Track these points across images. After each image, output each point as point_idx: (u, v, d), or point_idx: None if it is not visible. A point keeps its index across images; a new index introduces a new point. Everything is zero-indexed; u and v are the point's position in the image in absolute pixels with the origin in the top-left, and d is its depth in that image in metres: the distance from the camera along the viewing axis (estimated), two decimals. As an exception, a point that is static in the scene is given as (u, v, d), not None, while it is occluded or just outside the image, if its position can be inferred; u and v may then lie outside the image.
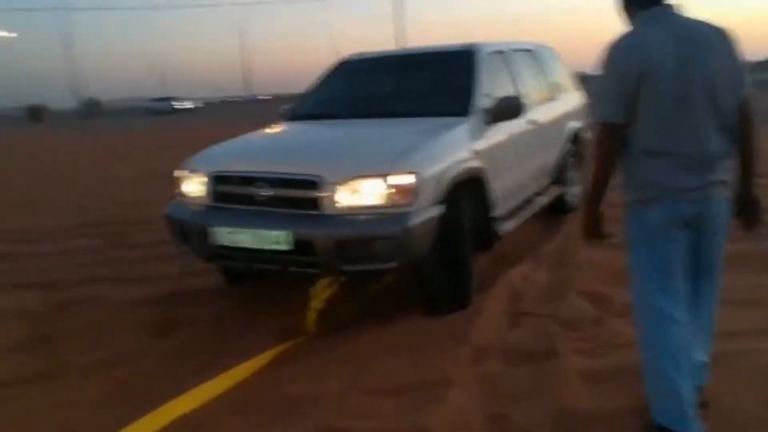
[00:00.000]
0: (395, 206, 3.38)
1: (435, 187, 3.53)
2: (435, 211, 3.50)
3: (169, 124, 33.76)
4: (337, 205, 3.39)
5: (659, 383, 2.28)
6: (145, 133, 26.25)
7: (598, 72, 2.22)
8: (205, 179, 3.80)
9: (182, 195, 4.00)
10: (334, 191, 3.39)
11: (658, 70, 2.10)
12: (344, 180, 3.40)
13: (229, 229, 3.56)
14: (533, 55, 5.86)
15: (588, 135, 6.40)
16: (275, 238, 3.42)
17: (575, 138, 6.22)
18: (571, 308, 3.69)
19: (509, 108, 4.35)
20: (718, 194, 2.22)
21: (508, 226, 4.50)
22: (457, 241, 3.73)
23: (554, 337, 3.30)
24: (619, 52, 2.16)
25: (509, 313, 3.70)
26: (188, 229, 3.79)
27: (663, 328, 2.25)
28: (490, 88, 4.51)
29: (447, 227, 3.57)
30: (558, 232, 5.48)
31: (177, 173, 4.05)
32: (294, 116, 5.13)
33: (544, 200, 5.42)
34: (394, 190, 3.38)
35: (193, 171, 3.94)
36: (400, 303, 3.91)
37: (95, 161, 14.35)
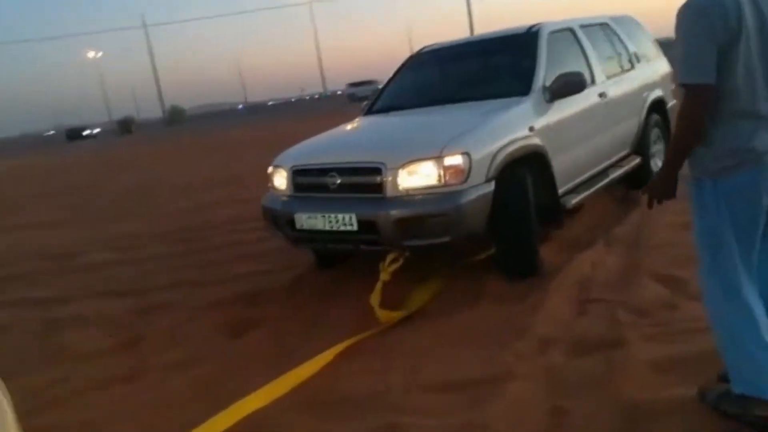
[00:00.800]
0: (448, 185, 3.72)
1: (488, 165, 3.81)
2: (488, 188, 3.79)
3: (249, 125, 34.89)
4: (397, 187, 3.78)
5: (744, 356, 2.20)
6: (222, 135, 27.28)
7: (680, 32, 2.09)
8: (287, 173, 4.32)
9: (273, 188, 4.55)
10: (395, 175, 3.78)
11: (743, 26, 2.03)
12: (402, 164, 3.78)
13: (307, 215, 4.05)
14: (609, 27, 5.87)
15: (673, 103, 6.31)
16: (343, 220, 3.85)
17: (658, 107, 6.15)
18: (642, 293, 3.54)
19: (569, 84, 4.44)
20: None
21: (576, 200, 4.60)
22: (519, 213, 3.95)
23: (623, 324, 3.18)
24: (704, 9, 2.03)
25: (577, 301, 3.59)
26: (278, 216, 4.32)
27: (746, 302, 2.18)
28: (555, 67, 4.64)
29: (509, 201, 3.86)
30: (633, 213, 5.25)
31: (269, 169, 4.59)
32: (369, 111, 5.53)
33: (619, 172, 5.35)
34: (445, 171, 3.72)
35: (277, 166, 4.50)
36: (464, 296, 3.89)
37: (174, 170, 15.02)
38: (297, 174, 4.30)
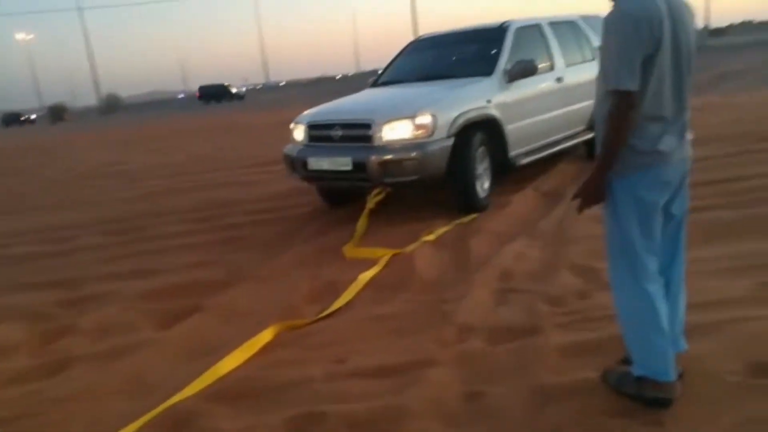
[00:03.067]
0: (417, 138, 5.15)
1: (449, 125, 5.20)
2: (448, 142, 5.20)
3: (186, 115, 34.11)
4: (381, 139, 5.22)
5: (644, 340, 2.38)
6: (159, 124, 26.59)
7: (611, 39, 2.20)
8: (304, 128, 5.82)
9: (293, 140, 6.05)
10: (380, 130, 5.22)
11: (664, 36, 2.17)
12: (386, 122, 5.23)
13: (316, 159, 5.55)
14: (576, 25, 7.22)
15: None
16: (342, 162, 5.32)
17: None
18: (558, 283, 3.73)
19: (523, 68, 5.82)
20: (690, 153, 2.40)
21: (526, 160, 6.01)
22: (467, 164, 5.30)
23: (539, 313, 3.34)
24: (636, 20, 2.14)
25: (498, 291, 3.75)
26: (294, 161, 5.81)
27: (648, 292, 2.35)
28: (518, 55, 6.00)
29: (463, 153, 5.27)
30: (556, 207, 5.50)
31: (291, 126, 6.14)
32: (374, 84, 7.09)
33: (571, 142, 6.76)
34: (416, 127, 5.17)
35: (297, 123, 6.00)
36: (391, 285, 4.00)
37: (113, 158, 14.61)
38: (311, 128, 5.79)
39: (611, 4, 2.27)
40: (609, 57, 2.22)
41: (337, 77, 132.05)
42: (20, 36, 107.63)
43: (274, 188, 7.97)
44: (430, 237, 4.83)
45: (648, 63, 2.18)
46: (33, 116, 62.74)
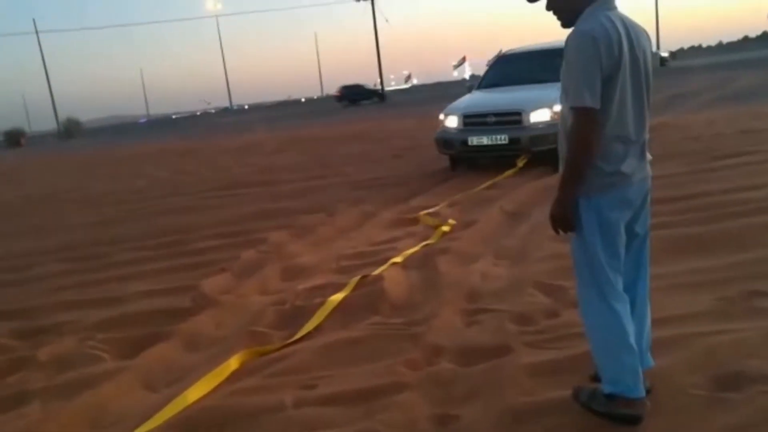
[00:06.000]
0: (553, 120, 7.71)
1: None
2: None
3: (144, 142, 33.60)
4: (529, 121, 8.20)
5: (613, 358, 2.40)
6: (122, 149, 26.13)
7: (572, 58, 2.23)
8: (458, 116, 8.75)
9: (444, 127, 8.95)
10: (528, 115, 8.21)
11: (623, 57, 2.22)
12: (533, 110, 8.22)
13: (476, 137, 8.44)
14: None
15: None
16: (499, 138, 8.30)
17: None
18: (527, 302, 3.75)
19: None
20: (650, 173, 2.46)
21: None
22: None
23: (508, 332, 3.35)
24: (594, 39, 2.18)
25: (467, 312, 3.75)
26: (453, 140, 8.72)
27: (616, 310, 2.37)
28: None
29: None
30: (521, 226, 5.56)
31: (441, 116, 9.14)
32: (477, 88, 10.07)
33: None
34: (553, 113, 7.98)
35: (448, 114, 8.97)
36: (361, 308, 3.96)
37: (71, 183, 14.28)
38: (466, 117, 8.69)
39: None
40: (570, 75, 2.27)
41: (302, 100, 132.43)
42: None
43: (233, 212, 7.90)
44: (398, 259, 4.82)
45: (609, 83, 2.22)
46: None
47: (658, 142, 8.78)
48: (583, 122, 2.23)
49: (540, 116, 8.12)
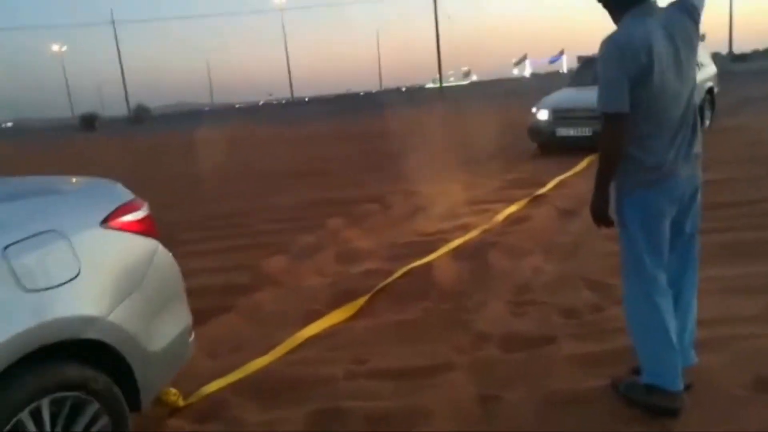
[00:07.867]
0: None
1: None
2: None
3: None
4: None
5: (653, 351, 2.49)
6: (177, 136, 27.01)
7: (600, 65, 2.33)
8: (548, 111, 10.27)
9: (536, 119, 10.46)
10: None
11: (655, 60, 2.27)
12: None
13: (564, 129, 9.93)
14: None
15: (718, 90, 11.99)
16: (584, 131, 9.52)
17: (710, 91, 11.29)
18: (573, 297, 3.84)
19: None
20: (699, 170, 2.49)
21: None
22: None
23: (553, 324, 3.46)
24: (619, 47, 2.28)
25: (515, 303, 3.87)
26: (544, 130, 10.31)
27: (658, 306, 2.45)
28: None
29: None
30: (573, 224, 5.62)
31: (533, 110, 10.55)
32: (569, 85, 11.41)
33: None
34: None
35: (540, 108, 10.46)
36: (411, 294, 4.13)
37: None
38: (556, 111, 10.14)
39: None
40: (600, 82, 2.36)
41: (361, 94, 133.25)
42: (55, 48, 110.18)
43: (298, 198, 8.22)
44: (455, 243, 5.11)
45: (640, 85, 2.28)
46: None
47: (719, 147, 8.59)
48: (609, 126, 2.35)
49: None
